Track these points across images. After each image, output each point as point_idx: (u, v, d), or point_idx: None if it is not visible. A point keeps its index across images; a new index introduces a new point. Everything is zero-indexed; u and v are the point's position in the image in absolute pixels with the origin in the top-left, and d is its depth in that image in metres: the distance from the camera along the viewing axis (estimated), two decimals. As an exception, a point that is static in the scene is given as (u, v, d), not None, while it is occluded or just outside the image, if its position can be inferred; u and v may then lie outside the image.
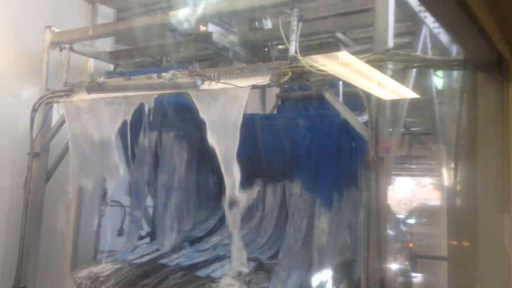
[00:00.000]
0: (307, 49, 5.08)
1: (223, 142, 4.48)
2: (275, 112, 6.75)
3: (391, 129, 4.15)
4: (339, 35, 5.40)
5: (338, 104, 4.37)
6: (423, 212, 9.64)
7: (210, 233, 5.88)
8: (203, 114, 4.54)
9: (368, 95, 4.07)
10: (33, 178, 6.03)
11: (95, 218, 6.13)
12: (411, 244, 8.18)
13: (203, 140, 5.25)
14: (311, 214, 4.96)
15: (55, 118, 6.14)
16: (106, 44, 7.12)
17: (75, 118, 5.50)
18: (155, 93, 4.96)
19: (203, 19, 5.08)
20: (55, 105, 6.03)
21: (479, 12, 2.05)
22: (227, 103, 4.46)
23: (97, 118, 5.31)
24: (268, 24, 5.76)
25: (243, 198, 4.41)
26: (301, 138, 5.14)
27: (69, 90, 5.81)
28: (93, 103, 5.33)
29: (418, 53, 4.76)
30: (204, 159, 5.90)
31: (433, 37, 5.18)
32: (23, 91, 6.45)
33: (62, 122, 6.03)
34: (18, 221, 5.99)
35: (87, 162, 5.52)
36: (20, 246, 5.91)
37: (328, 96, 4.38)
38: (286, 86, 6.08)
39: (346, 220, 4.98)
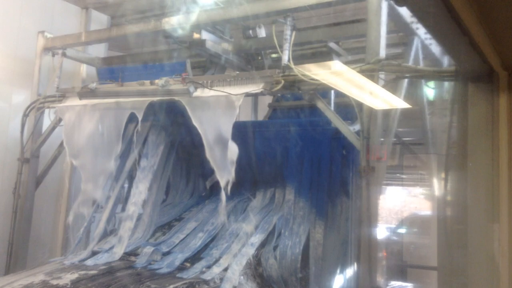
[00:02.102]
0: (300, 58, 5.12)
1: (216, 148, 4.52)
2: (267, 120, 6.73)
3: (382, 139, 4.17)
4: (332, 44, 5.44)
5: (330, 113, 4.39)
6: (414, 222, 9.68)
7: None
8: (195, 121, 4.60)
9: (360, 105, 4.09)
10: (23, 184, 5.99)
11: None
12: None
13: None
14: (308, 222, 4.89)
15: (46, 123, 6.11)
16: (99, 50, 7.12)
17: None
18: (148, 99, 4.95)
19: (197, 27, 5.10)
20: (46, 111, 6.02)
21: (470, 25, 2.08)
22: (220, 110, 4.49)
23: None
24: (262, 32, 5.79)
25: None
26: (293, 145, 5.13)
27: (61, 96, 5.79)
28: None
29: (410, 63, 4.80)
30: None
31: (425, 48, 5.23)
32: (15, 96, 6.41)
33: (53, 128, 6.01)
34: (6, 227, 5.94)
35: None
36: (8, 251, 5.85)
37: (320, 105, 4.40)
38: (279, 95, 6.10)
39: (338, 228, 4.97)
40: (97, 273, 4.38)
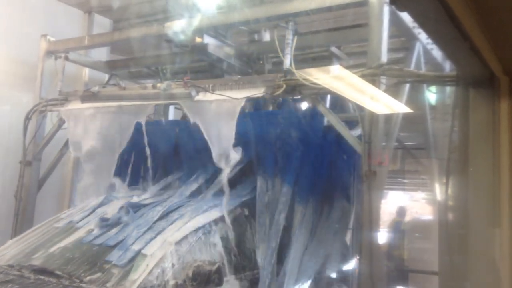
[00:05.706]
0: (302, 62, 5.12)
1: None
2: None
3: (384, 143, 4.17)
4: (334, 49, 5.44)
5: (332, 117, 4.39)
6: (415, 227, 9.66)
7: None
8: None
9: (362, 109, 4.10)
10: (25, 187, 6.00)
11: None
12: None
13: None
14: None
15: (48, 127, 6.13)
16: (101, 54, 7.14)
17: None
18: (150, 103, 4.97)
19: (199, 31, 5.11)
20: (48, 114, 6.03)
21: (471, 30, 2.09)
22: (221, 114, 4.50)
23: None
24: (267, 36, 5.78)
25: None
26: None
27: (63, 99, 5.81)
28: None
29: (412, 68, 4.80)
30: None
31: (427, 53, 5.23)
32: (17, 99, 6.43)
33: (55, 131, 6.03)
34: (8, 230, 5.93)
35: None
36: (10, 255, 5.85)
37: (322, 109, 4.41)
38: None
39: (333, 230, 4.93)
40: None
